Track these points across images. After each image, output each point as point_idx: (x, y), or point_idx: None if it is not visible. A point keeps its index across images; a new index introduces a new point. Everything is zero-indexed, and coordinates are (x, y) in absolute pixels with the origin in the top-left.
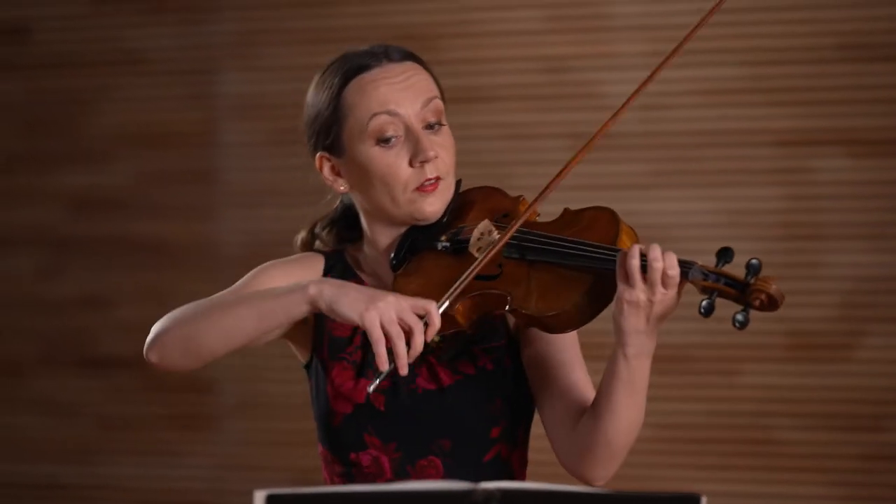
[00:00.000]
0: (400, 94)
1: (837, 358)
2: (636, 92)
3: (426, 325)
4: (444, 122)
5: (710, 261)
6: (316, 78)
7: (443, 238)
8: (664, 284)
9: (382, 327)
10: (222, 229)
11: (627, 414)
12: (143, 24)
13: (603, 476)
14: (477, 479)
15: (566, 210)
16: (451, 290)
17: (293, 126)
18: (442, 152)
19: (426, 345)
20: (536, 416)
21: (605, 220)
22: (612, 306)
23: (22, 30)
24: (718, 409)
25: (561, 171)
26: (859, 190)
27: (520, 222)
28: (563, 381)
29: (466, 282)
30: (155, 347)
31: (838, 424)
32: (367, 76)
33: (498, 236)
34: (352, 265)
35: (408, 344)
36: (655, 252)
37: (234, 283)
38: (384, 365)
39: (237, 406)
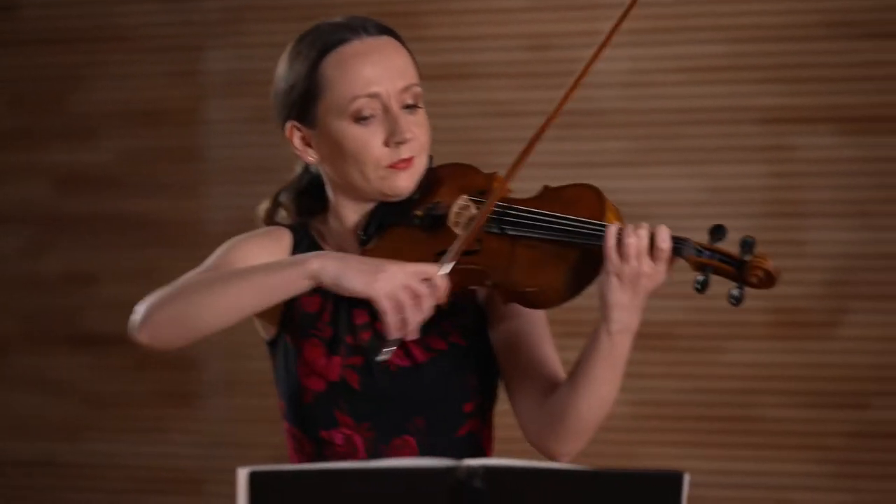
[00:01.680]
0: (381, 74)
1: (822, 336)
2: (590, 63)
3: (432, 289)
4: (421, 104)
5: (699, 238)
6: (289, 49)
7: (417, 213)
8: (654, 258)
9: (392, 296)
10: (209, 206)
11: (604, 389)
12: (130, 0)
13: (570, 451)
14: (450, 456)
15: (546, 187)
16: (451, 251)
17: None
18: (418, 132)
19: (402, 339)
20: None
21: (590, 198)
22: (596, 282)
23: (9, 6)
24: (702, 387)
25: (529, 145)
26: (844, 167)
27: (501, 187)
28: (534, 357)
29: (464, 247)
30: (145, 327)
31: (823, 402)
32: (345, 49)
33: (477, 211)
34: (317, 239)
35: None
36: (646, 225)
37: None
38: (395, 333)
39: (222, 383)
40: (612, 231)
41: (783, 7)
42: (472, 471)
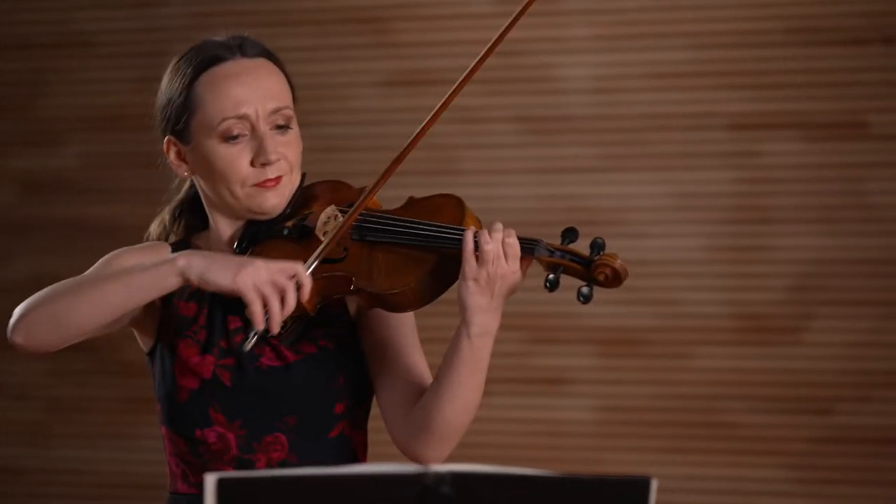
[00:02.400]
0: (251, 95)
1: (787, 341)
2: (477, 63)
3: (297, 286)
4: (293, 126)
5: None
6: (172, 63)
7: (287, 224)
8: (506, 256)
9: (256, 289)
10: None
11: (468, 394)
12: (94, 6)
13: (438, 456)
14: (321, 456)
15: (411, 198)
16: (317, 252)
17: None
18: (287, 151)
19: (266, 332)
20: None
21: (451, 206)
22: (456, 287)
23: None
24: (669, 392)
25: (399, 156)
26: (809, 173)
27: (367, 196)
28: (403, 365)
29: (327, 249)
30: (20, 327)
31: (788, 407)
32: (219, 70)
33: (342, 219)
34: None
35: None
36: (497, 226)
37: None
38: (260, 324)
39: None
40: (468, 236)
41: (750, 14)
42: (440, 477)
